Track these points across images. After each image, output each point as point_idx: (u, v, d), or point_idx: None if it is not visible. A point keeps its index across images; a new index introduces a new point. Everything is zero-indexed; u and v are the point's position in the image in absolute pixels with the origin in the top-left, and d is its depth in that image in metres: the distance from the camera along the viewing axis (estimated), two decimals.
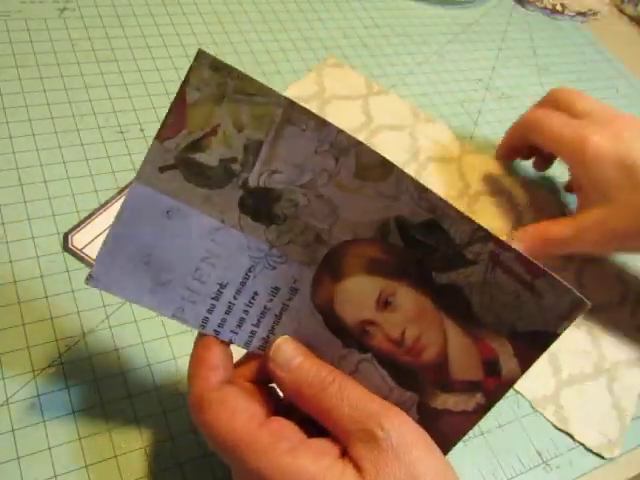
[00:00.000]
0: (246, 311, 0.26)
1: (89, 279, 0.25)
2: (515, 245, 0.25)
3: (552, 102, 0.46)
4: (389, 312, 0.25)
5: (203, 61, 0.23)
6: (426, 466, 0.23)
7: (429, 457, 0.24)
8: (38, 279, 0.35)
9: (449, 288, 0.24)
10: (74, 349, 0.33)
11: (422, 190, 0.23)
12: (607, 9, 0.77)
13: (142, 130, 0.45)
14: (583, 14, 0.74)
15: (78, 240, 0.38)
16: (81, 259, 0.37)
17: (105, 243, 0.25)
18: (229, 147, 0.24)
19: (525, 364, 0.24)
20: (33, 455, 0.30)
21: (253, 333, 0.26)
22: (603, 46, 0.71)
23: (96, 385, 0.33)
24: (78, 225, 0.38)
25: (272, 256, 0.25)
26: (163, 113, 0.50)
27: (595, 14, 0.75)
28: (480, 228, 0.23)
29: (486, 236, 0.23)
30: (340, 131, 0.23)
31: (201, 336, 0.27)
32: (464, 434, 0.25)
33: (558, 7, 0.73)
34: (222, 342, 0.26)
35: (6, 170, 0.40)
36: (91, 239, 0.38)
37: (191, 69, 0.23)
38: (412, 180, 0.23)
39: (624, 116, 0.42)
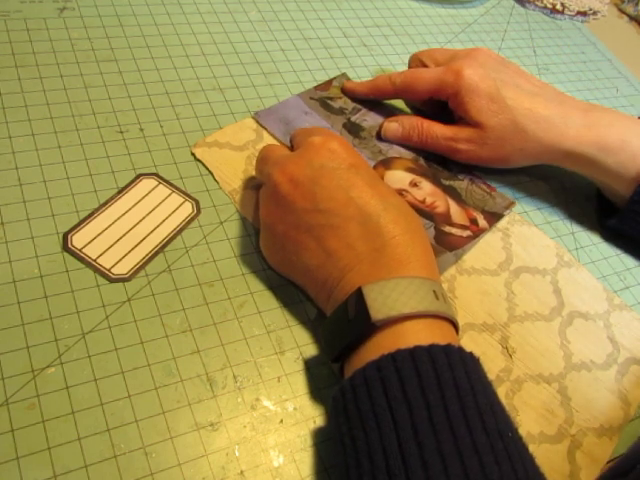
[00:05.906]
0: None
1: (256, 113, 0.48)
2: (393, 126, 0.49)
3: (418, 62, 0.52)
4: (416, 189, 0.47)
5: (343, 75, 0.54)
6: None
7: None
8: (37, 279, 0.35)
9: (450, 186, 0.48)
10: (74, 349, 0.33)
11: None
12: (607, 9, 0.77)
13: (141, 130, 0.44)
14: (583, 14, 0.74)
15: (78, 240, 0.38)
16: (81, 259, 0.37)
17: (269, 108, 0.49)
18: (345, 105, 0.51)
19: (490, 224, 0.46)
20: (33, 455, 0.30)
21: None
22: (603, 46, 0.71)
23: (96, 385, 0.33)
24: (78, 225, 0.38)
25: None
26: (163, 113, 0.50)
27: (595, 14, 0.75)
28: (462, 170, 0.50)
29: (467, 172, 0.50)
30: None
31: None
32: (460, 248, 0.44)
33: (558, 6, 0.73)
34: None
35: (5, 170, 0.40)
36: (91, 239, 0.38)
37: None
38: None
39: (479, 49, 0.49)
